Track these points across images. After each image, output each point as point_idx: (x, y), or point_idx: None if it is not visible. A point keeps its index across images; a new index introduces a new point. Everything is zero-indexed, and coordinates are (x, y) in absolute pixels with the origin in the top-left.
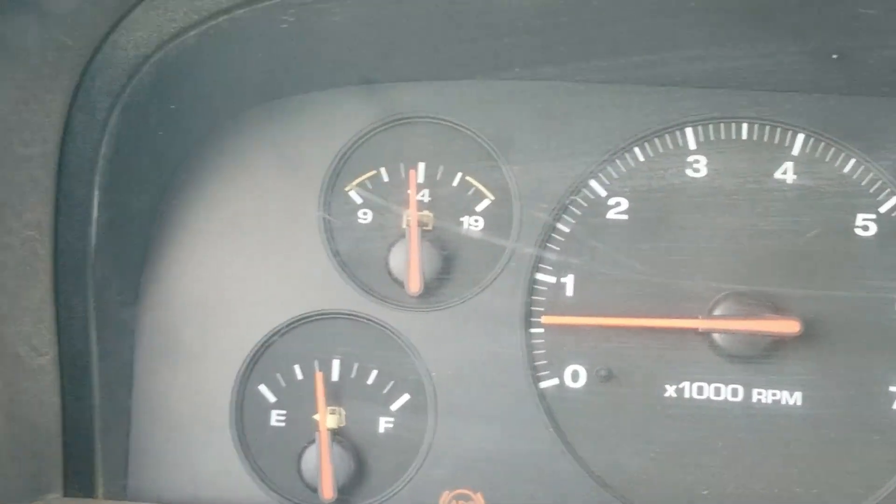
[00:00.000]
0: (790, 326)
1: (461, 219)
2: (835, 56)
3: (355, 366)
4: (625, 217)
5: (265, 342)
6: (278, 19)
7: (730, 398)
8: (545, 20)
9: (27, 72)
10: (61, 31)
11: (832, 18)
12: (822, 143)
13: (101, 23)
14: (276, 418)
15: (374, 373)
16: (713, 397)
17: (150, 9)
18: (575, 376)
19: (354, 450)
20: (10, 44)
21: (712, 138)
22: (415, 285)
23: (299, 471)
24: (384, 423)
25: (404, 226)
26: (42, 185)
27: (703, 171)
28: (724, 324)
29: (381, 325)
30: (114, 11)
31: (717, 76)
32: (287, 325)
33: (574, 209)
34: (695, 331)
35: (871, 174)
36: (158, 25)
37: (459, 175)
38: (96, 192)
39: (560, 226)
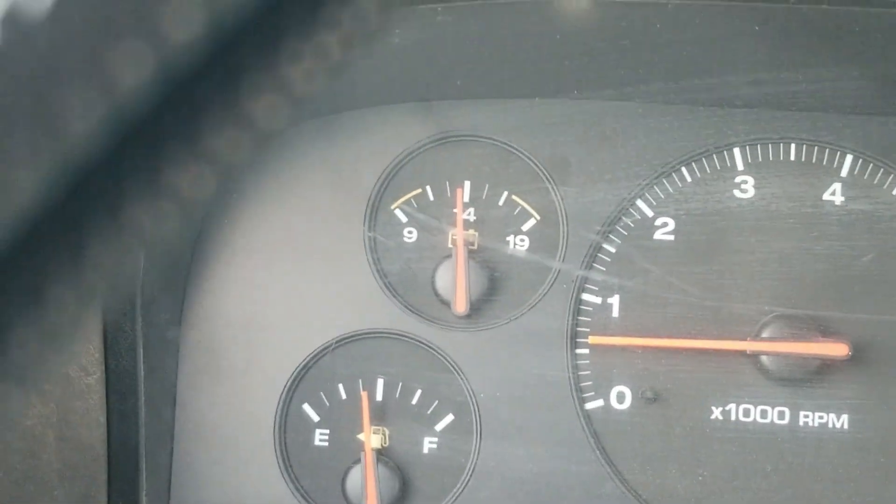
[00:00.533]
0: (839, 350)
1: (507, 238)
2: None
3: (399, 385)
4: (671, 238)
5: (309, 361)
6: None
7: (776, 421)
8: (606, 43)
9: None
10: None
11: None
12: (871, 165)
13: None
14: (319, 438)
15: (419, 392)
16: (760, 420)
17: None
18: (621, 398)
19: (399, 470)
20: None
21: (760, 159)
22: (461, 305)
23: (343, 490)
24: (428, 444)
25: (450, 245)
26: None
27: (751, 192)
28: (772, 346)
29: (427, 345)
30: None
31: (769, 97)
32: (332, 344)
33: (621, 230)
34: (742, 353)
35: None
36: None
37: (505, 194)
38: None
39: (606, 246)
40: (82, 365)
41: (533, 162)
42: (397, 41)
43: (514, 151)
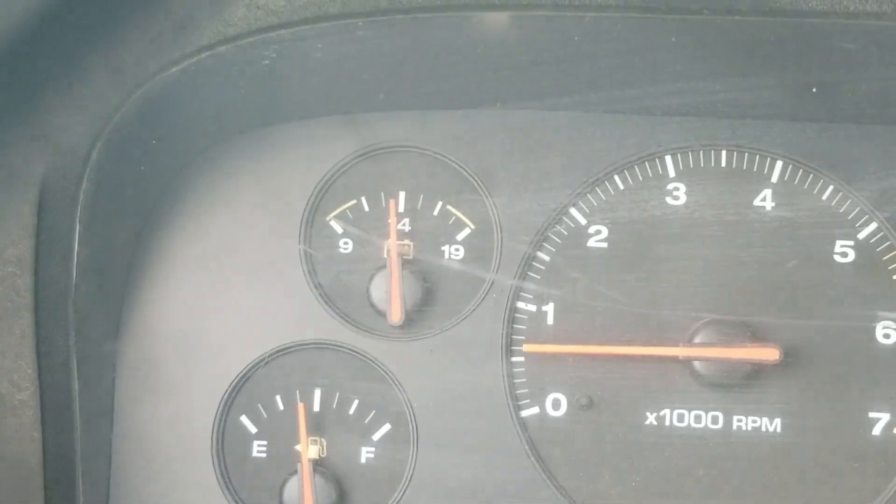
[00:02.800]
0: (769, 354)
1: (442, 248)
2: (814, 90)
3: (336, 396)
4: (605, 245)
5: (246, 373)
6: (260, 55)
7: (710, 426)
8: (528, 55)
9: None
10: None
11: (811, 52)
12: (801, 171)
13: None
14: (257, 449)
15: (356, 403)
16: (694, 425)
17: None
18: (556, 405)
19: (336, 480)
20: None
21: (691, 166)
22: (396, 315)
23: (281, 501)
24: (366, 454)
25: (385, 255)
26: (24, 221)
27: (683, 199)
28: (704, 352)
29: (363, 356)
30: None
31: (697, 106)
32: (269, 356)
33: (554, 238)
34: (675, 359)
35: (849, 201)
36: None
37: (440, 204)
38: (77, 226)
39: (540, 254)
40: (14, 381)
41: (465, 171)
42: (320, 55)
43: (446, 161)
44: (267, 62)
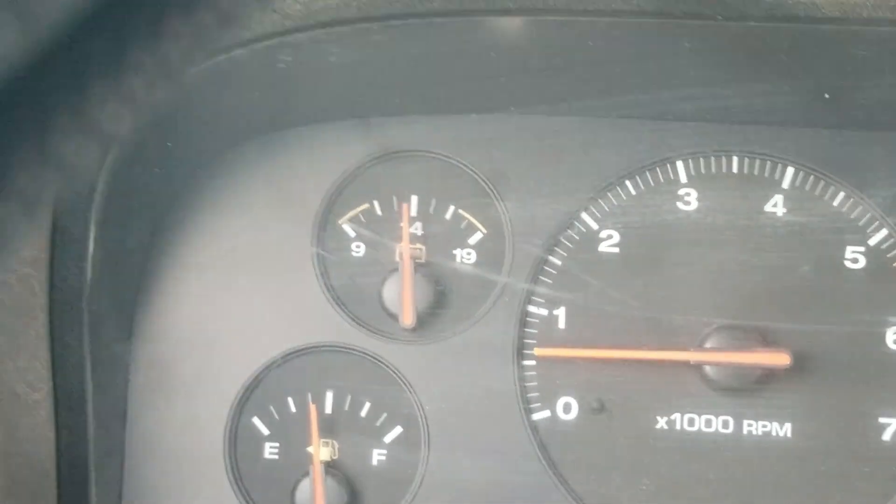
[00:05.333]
0: (780, 359)
1: (454, 252)
2: (826, 96)
3: (348, 398)
4: (616, 250)
5: (259, 375)
6: (275, 59)
7: (720, 430)
8: (540, 60)
9: None
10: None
11: (824, 59)
12: (812, 177)
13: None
14: (269, 451)
15: (368, 405)
16: (704, 429)
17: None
18: (567, 408)
19: (348, 482)
20: None
21: (703, 171)
22: (408, 318)
23: (293, 503)
24: (377, 456)
25: (397, 259)
26: (39, 222)
27: (694, 204)
28: (715, 356)
29: (375, 358)
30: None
31: (709, 111)
32: (281, 358)
33: (566, 242)
34: (686, 363)
35: (860, 207)
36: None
37: (452, 208)
38: (92, 228)
39: (552, 259)
40: (29, 381)
41: (477, 176)
42: (335, 59)
43: (459, 165)
44: (282, 66)
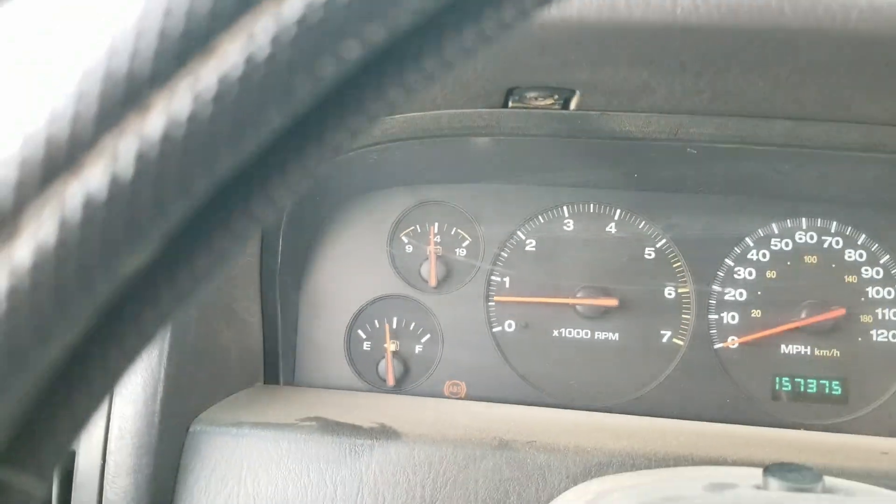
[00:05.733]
0: (613, 302)
1: (455, 249)
2: (636, 175)
3: (404, 320)
4: (534, 250)
5: (361, 308)
6: (368, 157)
7: (584, 336)
8: (505, 158)
9: None
10: None
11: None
12: (628, 214)
13: None
14: (365, 346)
15: (413, 324)
16: (576, 336)
17: None
18: (510, 326)
19: (404, 361)
20: None
21: (576, 211)
22: (433, 282)
23: (377, 370)
24: (417, 348)
25: (428, 252)
26: (255, 240)
27: (571, 228)
28: (582, 301)
29: (417, 300)
30: None
31: (581, 183)
32: (373, 300)
33: (509, 246)
34: (568, 304)
35: (652, 229)
36: None
37: (455, 228)
38: (281, 237)
39: (503, 253)
40: (250, 311)
41: (469, 214)
42: (398, 155)
43: (458, 209)
44: (373, 157)
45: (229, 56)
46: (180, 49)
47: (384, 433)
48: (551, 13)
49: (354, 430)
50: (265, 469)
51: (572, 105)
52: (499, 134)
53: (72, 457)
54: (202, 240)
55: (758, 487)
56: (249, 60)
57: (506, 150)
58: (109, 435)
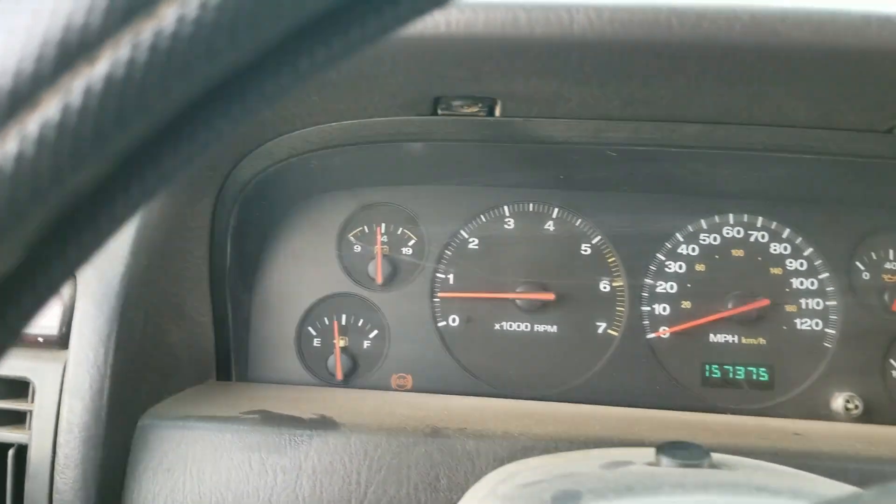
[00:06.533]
0: (549, 296)
1: (401, 249)
2: (561, 176)
3: (353, 317)
4: (477, 248)
5: (310, 307)
6: (309, 163)
7: (524, 329)
8: (437, 161)
9: (190, 188)
10: (208, 166)
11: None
12: (565, 212)
13: (237, 156)
14: (315, 342)
15: (361, 320)
16: (517, 329)
17: (255, 157)
18: (454, 321)
19: (353, 357)
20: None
21: (516, 210)
22: (379, 279)
23: (326, 366)
24: (366, 343)
25: (375, 252)
26: (203, 234)
27: (511, 226)
28: (521, 295)
29: (364, 298)
30: (237, 156)
31: (520, 184)
32: (323, 298)
33: (453, 244)
34: (508, 299)
35: (588, 227)
36: (260, 162)
37: (401, 229)
38: (229, 241)
39: (447, 251)
40: (200, 311)
41: (413, 214)
42: (338, 161)
43: (403, 209)
44: (313, 163)
45: (167, 17)
46: (126, 8)
47: (323, 424)
48: (461, 28)
49: (295, 421)
50: (210, 459)
51: (497, 112)
52: (432, 139)
53: (24, 450)
54: (152, 154)
55: (651, 464)
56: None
57: (440, 154)
58: (59, 428)
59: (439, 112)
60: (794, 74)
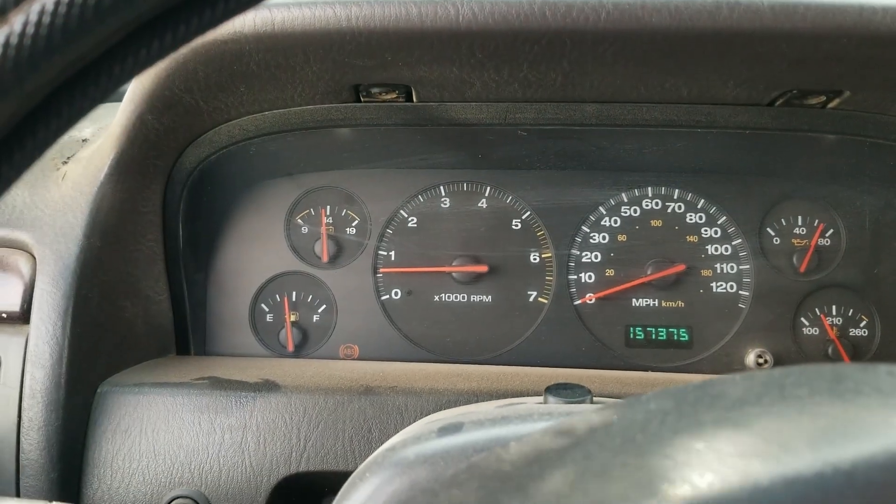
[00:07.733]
0: (483, 268)
1: (346, 229)
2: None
3: (301, 294)
4: (415, 225)
5: (262, 285)
6: (248, 150)
7: (461, 300)
8: (375, 146)
9: (139, 176)
10: (155, 154)
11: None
12: (498, 191)
13: (181, 145)
14: (268, 317)
15: (310, 296)
16: (454, 300)
17: (197, 145)
18: (396, 294)
19: (303, 329)
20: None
21: (452, 190)
22: (325, 258)
23: (278, 338)
24: (315, 318)
25: (321, 231)
26: (156, 228)
27: (448, 204)
28: (457, 269)
29: (311, 275)
30: (180, 144)
31: (457, 165)
32: (273, 276)
33: (394, 223)
34: (445, 272)
35: (519, 203)
36: (203, 150)
37: (345, 210)
38: (181, 222)
39: (388, 230)
40: (157, 291)
41: (356, 195)
42: (274, 148)
43: (346, 190)
44: (251, 151)
45: None
46: None
47: (266, 387)
48: (360, 22)
49: (241, 385)
50: (164, 420)
51: (414, 98)
52: (359, 125)
53: None
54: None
55: (539, 403)
56: None
57: (369, 138)
58: (23, 395)
59: (362, 99)
60: (662, 56)
